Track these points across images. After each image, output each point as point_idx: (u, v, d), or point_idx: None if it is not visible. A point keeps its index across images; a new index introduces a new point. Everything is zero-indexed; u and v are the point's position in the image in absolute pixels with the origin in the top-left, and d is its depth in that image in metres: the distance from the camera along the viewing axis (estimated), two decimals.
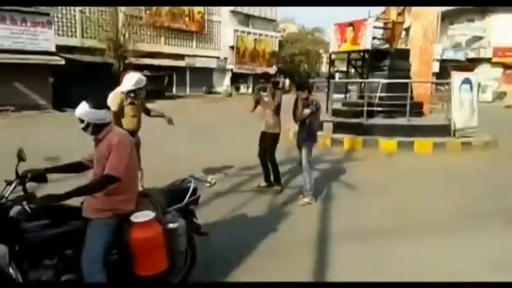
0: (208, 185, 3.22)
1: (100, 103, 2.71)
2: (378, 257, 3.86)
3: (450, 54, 30.52)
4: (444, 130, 10.04)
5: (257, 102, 5.89)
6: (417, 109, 11.27)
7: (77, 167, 2.93)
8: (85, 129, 2.69)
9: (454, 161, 8.48)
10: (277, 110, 5.82)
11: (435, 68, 25.65)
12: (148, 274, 2.60)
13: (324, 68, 55.70)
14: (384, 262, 3.75)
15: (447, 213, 5.15)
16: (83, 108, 2.65)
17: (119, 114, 5.07)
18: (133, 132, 5.08)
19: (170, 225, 2.72)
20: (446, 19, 31.34)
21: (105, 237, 2.53)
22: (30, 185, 2.71)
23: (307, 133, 5.51)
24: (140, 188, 5.19)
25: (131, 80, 5.05)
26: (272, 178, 6.04)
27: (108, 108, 2.78)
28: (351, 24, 11.46)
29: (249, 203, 5.46)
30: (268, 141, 5.90)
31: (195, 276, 3.18)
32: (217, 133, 11.96)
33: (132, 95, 5.05)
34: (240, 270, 3.50)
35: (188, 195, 3.00)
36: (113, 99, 5.01)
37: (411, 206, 5.43)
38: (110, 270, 2.51)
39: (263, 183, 6.07)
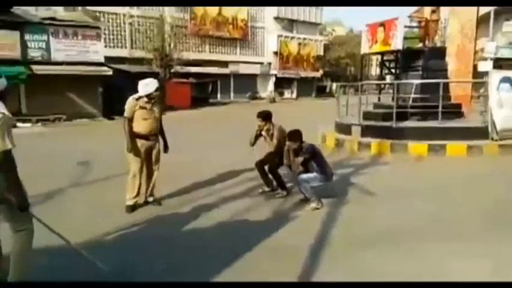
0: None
1: None
2: (381, 263, 3.65)
3: (505, 53, 28.37)
4: (481, 132, 9.39)
5: (257, 137, 5.98)
6: (454, 110, 10.67)
7: None
8: None
9: (489, 165, 7.92)
10: (279, 148, 5.72)
11: (488, 67, 24.05)
12: None
13: (373, 71, 54.14)
14: (387, 268, 3.54)
15: (469, 221, 4.79)
16: None
17: (131, 120, 5.30)
18: (146, 136, 5.26)
19: None
20: (502, 15, 29.29)
21: None
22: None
23: (321, 175, 5.41)
24: (150, 198, 5.46)
25: (140, 86, 5.29)
26: (275, 184, 5.96)
27: None
28: (382, 24, 11.12)
29: (253, 207, 5.39)
30: (272, 157, 5.89)
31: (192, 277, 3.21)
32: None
33: (145, 99, 5.25)
34: (236, 271, 3.48)
35: None
36: (127, 106, 5.25)
37: (429, 213, 5.06)
38: None
39: (267, 188, 5.99)
